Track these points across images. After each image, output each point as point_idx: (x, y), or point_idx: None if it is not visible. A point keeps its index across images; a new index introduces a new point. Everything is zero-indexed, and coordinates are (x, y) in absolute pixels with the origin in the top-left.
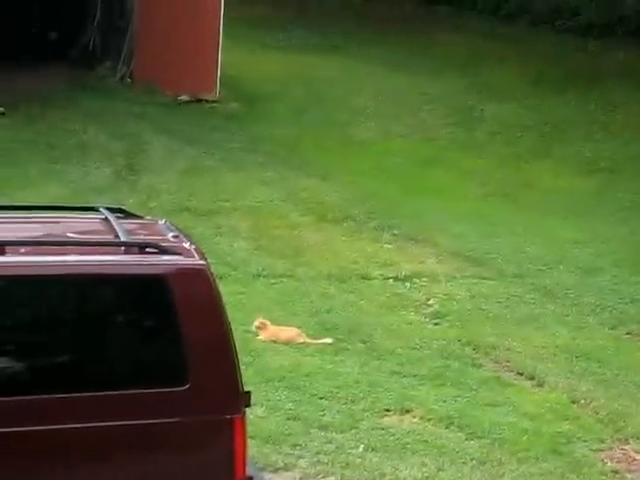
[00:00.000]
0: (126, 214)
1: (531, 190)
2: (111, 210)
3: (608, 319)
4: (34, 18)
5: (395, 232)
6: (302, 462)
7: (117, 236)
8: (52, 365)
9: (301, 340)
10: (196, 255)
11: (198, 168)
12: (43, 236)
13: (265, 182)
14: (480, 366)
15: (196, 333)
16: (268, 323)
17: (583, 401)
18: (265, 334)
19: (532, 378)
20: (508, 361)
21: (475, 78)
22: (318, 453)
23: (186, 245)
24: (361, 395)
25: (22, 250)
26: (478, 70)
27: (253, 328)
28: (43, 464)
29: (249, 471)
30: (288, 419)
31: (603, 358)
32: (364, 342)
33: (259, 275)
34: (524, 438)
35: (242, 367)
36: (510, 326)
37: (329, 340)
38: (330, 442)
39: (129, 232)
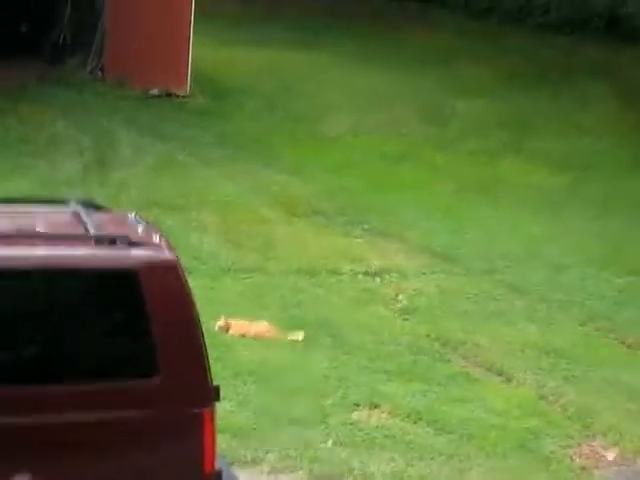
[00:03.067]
0: (96, 207)
1: (502, 186)
2: (81, 203)
3: (577, 315)
4: (4, 12)
5: (365, 227)
6: (270, 456)
7: (87, 229)
8: (20, 358)
9: (270, 334)
10: (166, 249)
11: (168, 163)
12: (12, 229)
13: (235, 177)
14: (449, 361)
15: (166, 326)
16: (232, 322)
17: (551, 397)
18: (232, 331)
19: (500, 374)
20: (476, 357)
21: (447, 74)
22: (287, 448)
23: (156, 239)
24: (330, 390)
25: None
26: (450, 66)
27: (216, 328)
28: (7, 457)
29: (218, 465)
30: (257, 413)
31: (572, 354)
32: (333, 337)
33: (229, 269)
34: (492, 434)
35: (211, 361)
36: (479, 322)
37: (299, 335)
38: (299, 437)
39: (99, 225)
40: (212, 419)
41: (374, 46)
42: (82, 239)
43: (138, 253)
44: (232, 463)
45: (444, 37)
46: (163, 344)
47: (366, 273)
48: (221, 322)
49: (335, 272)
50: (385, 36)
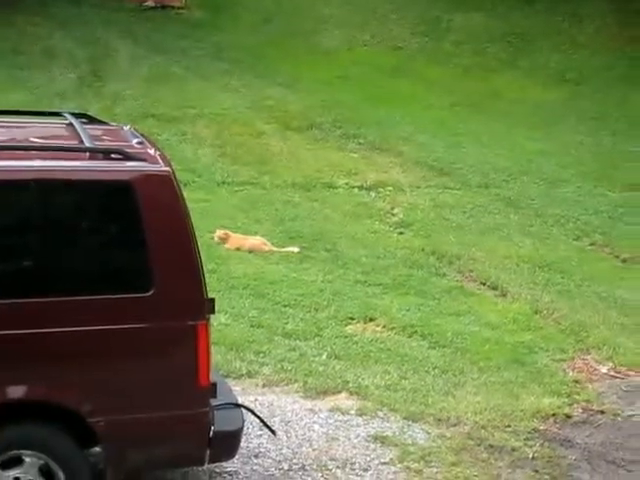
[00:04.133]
0: (91, 120)
1: (497, 100)
2: (76, 115)
3: (572, 230)
4: None
5: (360, 141)
6: (265, 369)
7: (82, 142)
8: (16, 270)
9: (266, 248)
10: (161, 161)
11: (163, 75)
12: (6, 141)
13: (230, 90)
14: (443, 275)
15: (161, 239)
16: (230, 233)
17: (545, 311)
18: (229, 243)
19: (495, 288)
20: (471, 271)
21: None
22: (281, 360)
23: (151, 151)
24: (325, 303)
25: None
26: None
27: (215, 239)
28: (5, 367)
29: (213, 378)
30: (252, 326)
31: (566, 269)
32: (328, 250)
33: (223, 182)
34: (486, 347)
35: (206, 274)
36: (474, 236)
37: (295, 249)
38: (293, 350)
39: (94, 138)
40: (207, 332)
41: None
42: (77, 151)
43: (133, 165)
44: (227, 376)
45: None
46: (158, 257)
47: (361, 187)
48: (219, 233)
49: (330, 186)
50: None
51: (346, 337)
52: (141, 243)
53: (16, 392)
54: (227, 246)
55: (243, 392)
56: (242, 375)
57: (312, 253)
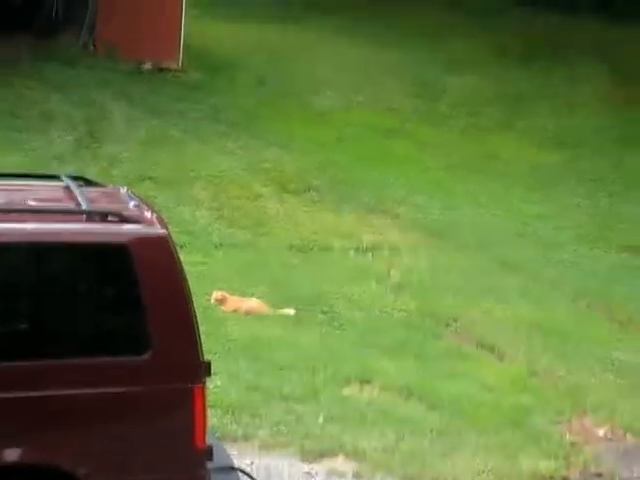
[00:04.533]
0: (88, 182)
1: (494, 162)
2: (73, 178)
3: (569, 292)
4: None
5: (356, 203)
6: (262, 432)
7: (79, 204)
8: (12, 332)
9: (262, 310)
10: (158, 224)
11: (160, 137)
12: (4, 203)
13: (227, 152)
14: (440, 337)
15: (157, 302)
16: (227, 295)
17: (543, 374)
18: (226, 306)
19: (492, 350)
20: (468, 333)
21: (438, 50)
22: (278, 423)
23: (148, 214)
24: (321, 365)
25: None
26: (441, 42)
27: (212, 301)
28: (1, 430)
29: (209, 440)
30: (248, 389)
31: (563, 331)
32: (325, 313)
33: (221, 245)
34: (484, 410)
35: (203, 337)
36: (471, 298)
37: (291, 311)
38: (290, 412)
39: (91, 200)
40: (203, 394)
41: (366, 22)
42: (73, 214)
43: (130, 228)
44: (223, 438)
45: (437, 13)
46: (154, 319)
47: (358, 249)
48: (216, 295)
49: (327, 248)
50: (377, 12)
51: (343, 399)
52: (138, 305)
53: (11, 455)
54: (224, 308)
55: (239, 455)
56: (238, 438)
57: (309, 315)
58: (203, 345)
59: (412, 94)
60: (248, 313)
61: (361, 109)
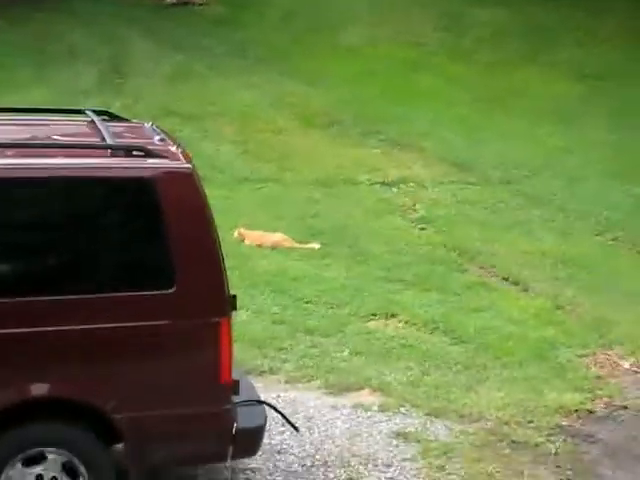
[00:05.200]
0: (112, 117)
1: (519, 96)
2: (97, 113)
3: (594, 225)
4: None
5: (381, 137)
6: (287, 366)
7: (103, 139)
8: (39, 268)
9: (287, 245)
10: (182, 158)
11: (185, 72)
12: (29, 138)
13: (252, 87)
14: (465, 271)
15: (183, 236)
16: (252, 230)
17: (568, 307)
18: (251, 240)
19: (517, 283)
20: (493, 266)
21: None
22: (303, 357)
23: (172, 148)
24: (347, 300)
25: (7, 152)
26: None
27: (237, 235)
28: (30, 365)
29: (235, 375)
30: (274, 323)
31: (588, 264)
32: (350, 247)
33: (245, 179)
34: (509, 343)
35: (228, 271)
36: (496, 232)
37: (316, 245)
38: (315, 346)
39: (115, 135)
40: (229, 329)
41: None
42: (98, 149)
43: (154, 162)
44: (249, 372)
45: None
46: (180, 254)
47: (383, 183)
48: (242, 229)
49: (351, 182)
50: None
51: (368, 333)
52: (163, 240)
53: (39, 390)
54: (249, 243)
55: (265, 389)
56: (264, 372)
57: (333, 249)
58: (228, 279)
59: (439, 27)
60: (273, 247)
61: (388, 43)
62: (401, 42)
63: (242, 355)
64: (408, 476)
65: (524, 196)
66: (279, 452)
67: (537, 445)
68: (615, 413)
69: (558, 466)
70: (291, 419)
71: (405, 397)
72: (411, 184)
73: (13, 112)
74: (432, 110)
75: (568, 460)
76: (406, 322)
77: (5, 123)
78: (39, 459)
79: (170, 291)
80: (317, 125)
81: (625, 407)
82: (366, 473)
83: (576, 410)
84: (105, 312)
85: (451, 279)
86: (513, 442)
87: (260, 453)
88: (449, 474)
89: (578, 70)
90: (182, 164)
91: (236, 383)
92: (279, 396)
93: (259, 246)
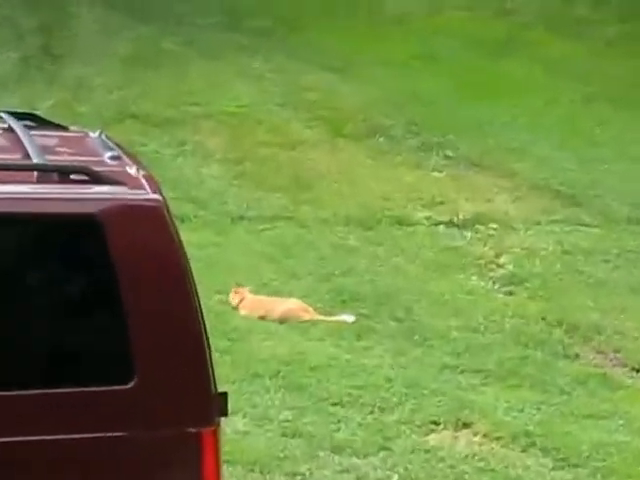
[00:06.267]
0: (41, 122)
1: None
2: (18, 116)
3: None
4: None
5: (449, 153)
6: None
7: (27, 155)
8: None
9: (306, 316)
10: (146, 186)
11: (151, 54)
12: None
13: (251, 76)
14: (576, 357)
15: (145, 304)
16: (247, 294)
17: None
18: (250, 309)
19: None
20: (618, 351)
21: None
22: None
23: (131, 170)
24: (395, 400)
25: None
26: None
27: (230, 301)
28: None
29: None
30: (284, 435)
31: None
32: (400, 320)
33: (241, 217)
34: None
35: (216, 356)
36: (622, 298)
37: (349, 317)
38: (348, 471)
39: (45, 150)
40: (215, 443)
41: None
42: (20, 170)
43: (103, 192)
44: None
45: None
46: (142, 331)
47: (450, 223)
48: (237, 293)
49: (403, 222)
50: None
51: (427, 452)
52: (117, 311)
53: None
54: (247, 313)
55: None
56: None
57: (376, 324)
58: (216, 369)
59: None
60: (283, 320)
61: (456, 12)
62: (477, 11)
63: None
64: None
65: None
66: None
67: None
68: None
69: None
70: None
71: None
72: (493, 225)
73: None
74: (526, 113)
75: None
76: (485, 435)
77: None
78: None
79: (126, 387)
80: (350, 135)
81: None
82: None
83: None
84: (28, 418)
85: (554, 370)
86: None
87: None
88: None
89: None
90: (146, 194)
91: None
92: None
93: (262, 318)
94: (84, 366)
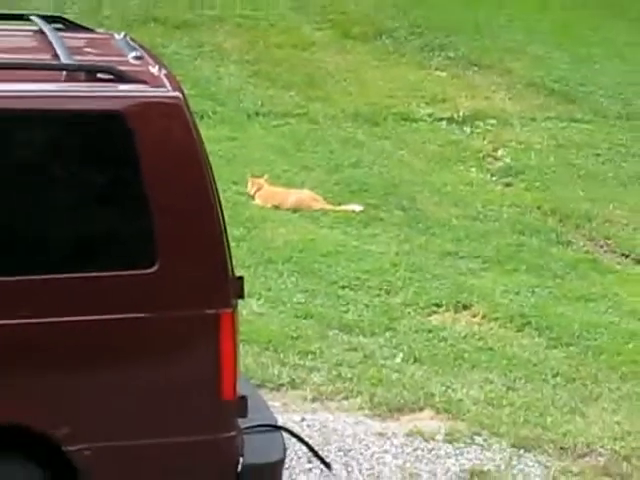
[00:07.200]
0: (69, 25)
1: None
2: (48, 20)
3: None
4: None
5: (450, 54)
6: (316, 377)
7: (56, 56)
8: None
9: (316, 206)
10: (168, 84)
11: None
12: None
13: None
14: (569, 244)
15: (167, 195)
16: (266, 185)
17: None
18: (265, 199)
19: None
20: (608, 238)
21: None
22: (338, 364)
23: (153, 70)
24: (400, 284)
25: None
26: None
27: (249, 189)
28: None
29: (241, 389)
30: (297, 317)
31: None
32: (405, 209)
33: (257, 113)
34: (629, 346)
35: (233, 243)
36: (611, 188)
37: (357, 207)
38: (355, 349)
39: (73, 51)
40: (233, 324)
41: None
42: (48, 70)
43: (128, 90)
44: (262, 386)
45: None
46: (164, 218)
47: (451, 119)
48: (253, 184)
49: (407, 118)
50: None
51: (430, 332)
52: (139, 200)
53: None
54: (261, 203)
55: (285, 409)
56: (283, 385)
57: (382, 213)
58: (233, 255)
59: None
60: (296, 209)
61: None
62: None
63: (252, 362)
64: None
65: None
66: None
67: None
68: None
69: None
70: (321, 452)
71: (482, 422)
72: (491, 121)
73: None
74: (523, 16)
75: None
76: (484, 316)
77: None
78: None
79: (149, 271)
80: (358, 37)
81: None
82: None
83: None
84: (53, 300)
85: (548, 255)
86: None
87: None
88: None
89: None
90: (167, 92)
91: (243, 401)
92: (304, 419)
93: (277, 207)
94: (112, 252)
